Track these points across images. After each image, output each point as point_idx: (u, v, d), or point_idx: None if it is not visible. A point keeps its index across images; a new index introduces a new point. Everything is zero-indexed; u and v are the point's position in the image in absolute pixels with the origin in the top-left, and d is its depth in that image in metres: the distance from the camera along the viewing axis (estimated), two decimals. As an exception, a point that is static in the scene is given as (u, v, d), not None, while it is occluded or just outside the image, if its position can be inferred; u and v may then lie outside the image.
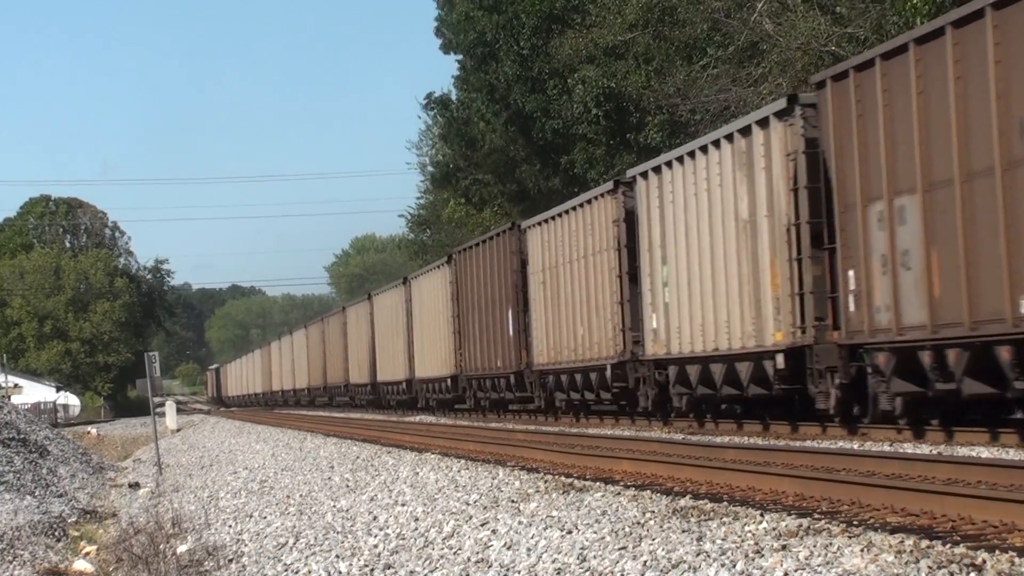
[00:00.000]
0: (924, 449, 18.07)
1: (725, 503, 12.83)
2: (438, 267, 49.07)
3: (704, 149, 26.16)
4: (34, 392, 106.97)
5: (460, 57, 60.56)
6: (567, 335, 34.82)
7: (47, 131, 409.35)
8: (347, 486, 20.28)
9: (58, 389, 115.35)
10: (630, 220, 30.72)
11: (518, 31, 55.34)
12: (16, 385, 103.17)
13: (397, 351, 55.61)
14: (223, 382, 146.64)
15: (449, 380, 47.20)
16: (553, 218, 35.92)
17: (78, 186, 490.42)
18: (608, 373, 31.91)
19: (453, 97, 64.01)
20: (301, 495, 20.36)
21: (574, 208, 34.13)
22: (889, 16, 35.34)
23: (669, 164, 28.07)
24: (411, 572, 12.51)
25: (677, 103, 45.17)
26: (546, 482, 16.45)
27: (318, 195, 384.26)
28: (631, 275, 30.97)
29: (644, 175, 29.47)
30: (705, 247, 26.40)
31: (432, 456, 23.56)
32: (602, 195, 32.27)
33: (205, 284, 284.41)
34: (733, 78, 42.84)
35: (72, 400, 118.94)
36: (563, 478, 16.76)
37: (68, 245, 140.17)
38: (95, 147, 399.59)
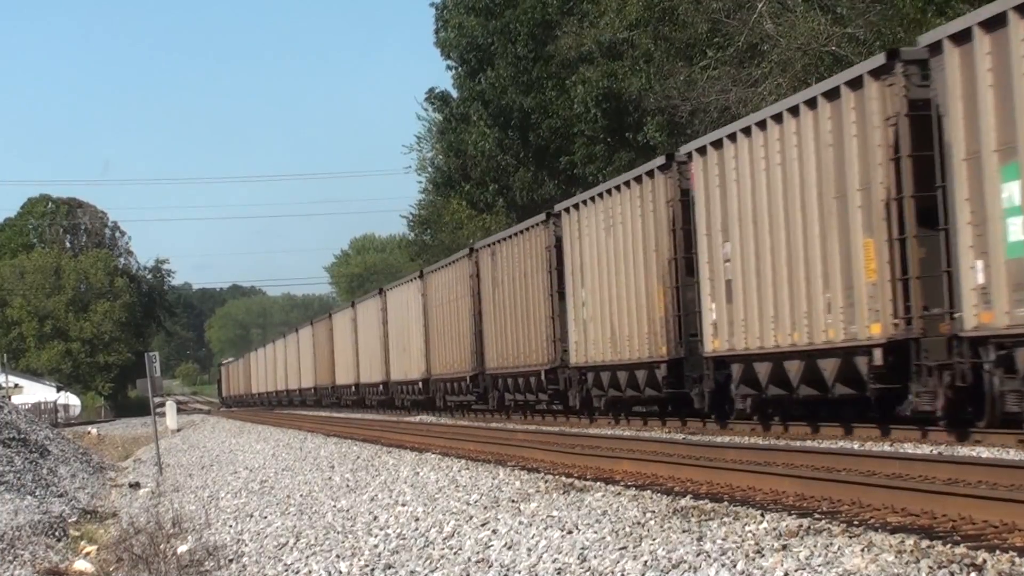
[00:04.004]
0: (925, 449, 18.08)
1: (725, 503, 12.84)
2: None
3: (794, 110, 22.83)
4: (34, 392, 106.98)
5: (455, 64, 60.55)
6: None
7: (47, 131, 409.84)
8: (347, 486, 20.29)
9: (58, 389, 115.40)
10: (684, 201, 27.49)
11: (515, 37, 55.41)
12: (16, 385, 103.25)
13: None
14: (242, 378, 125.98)
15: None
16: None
17: (78, 186, 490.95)
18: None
19: (454, 94, 63.99)
20: (302, 495, 20.37)
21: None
22: (889, 16, 35.37)
23: (734, 136, 24.82)
24: (412, 572, 12.51)
25: (677, 104, 45.20)
26: (546, 482, 16.45)
27: (318, 195, 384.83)
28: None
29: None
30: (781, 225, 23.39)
31: (432, 456, 23.57)
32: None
33: (205, 284, 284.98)
34: (733, 79, 42.86)
35: (72, 400, 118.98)
36: (563, 478, 16.76)
37: (68, 245, 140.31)
38: (95, 147, 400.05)
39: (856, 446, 19.50)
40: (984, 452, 17.20)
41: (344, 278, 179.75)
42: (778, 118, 23.18)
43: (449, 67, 61.59)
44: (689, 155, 26.78)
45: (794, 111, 22.62)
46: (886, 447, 18.84)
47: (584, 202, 32.74)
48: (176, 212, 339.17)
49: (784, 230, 23.08)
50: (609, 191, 31.17)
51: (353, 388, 65.94)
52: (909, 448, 18.32)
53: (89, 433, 63.29)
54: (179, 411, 75.10)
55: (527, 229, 37.59)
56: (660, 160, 28.56)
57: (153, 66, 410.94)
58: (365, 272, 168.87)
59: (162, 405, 73.38)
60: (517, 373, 38.65)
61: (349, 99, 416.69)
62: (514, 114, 55.88)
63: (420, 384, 51.00)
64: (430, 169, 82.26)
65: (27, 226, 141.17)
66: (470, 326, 43.22)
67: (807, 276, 22.40)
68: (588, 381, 32.91)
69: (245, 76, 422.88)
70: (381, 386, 58.78)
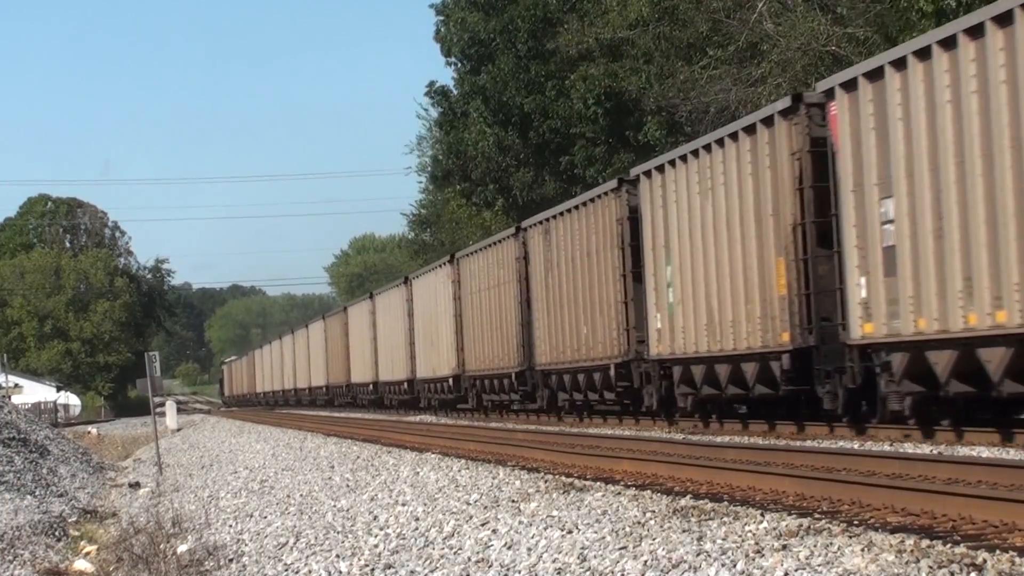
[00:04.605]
0: (924, 449, 18.08)
1: (725, 503, 12.84)
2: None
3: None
4: (34, 392, 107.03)
5: (456, 61, 60.59)
6: None
7: (47, 131, 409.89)
8: (347, 486, 20.28)
9: (58, 389, 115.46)
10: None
11: (515, 34, 55.45)
12: (16, 385, 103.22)
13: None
14: (246, 377, 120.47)
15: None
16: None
17: (78, 186, 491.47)
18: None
19: (454, 90, 63.93)
20: (301, 495, 20.36)
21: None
22: (890, 16, 35.39)
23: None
24: (411, 572, 12.51)
25: (678, 104, 45.22)
26: (546, 482, 16.45)
27: (318, 195, 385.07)
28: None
29: None
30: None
31: (432, 456, 23.57)
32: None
33: (205, 284, 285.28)
34: (734, 78, 42.87)
35: (72, 400, 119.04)
36: (563, 478, 16.76)
37: (68, 245, 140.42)
38: (95, 147, 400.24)
39: (856, 446, 19.50)
40: (984, 452, 17.20)
41: (344, 278, 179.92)
42: (1004, 19, 17.32)
43: (449, 63, 61.70)
44: (829, 93, 21.32)
45: None
46: (886, 447, 18.84)
47: (672, 162, 27.18)
48: (176, 212, 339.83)
49: (999, 172, 17.49)
50: (707, 146, 25.57)
51: (371, 387, 61.09)
52: (909, 448, 18.32)
53: (89, 433, 63.29)
54: (179, 411, 75.09)
55: (592, 200, 32.00)
56: (783, 103, 23.10)
57: (153, 66, 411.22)
58: (365, 272, 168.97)
59: (162, 405, 73.40)
60: (576, 368, 33.34)
61: (349, 99, 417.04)
62: (514, 112, 55.90)
63: (450, 381, 45.98)
64: (429, 168, 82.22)
65: (27, 226, 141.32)
66: (516, 315, 38.24)
67: None
68: (674, 377, 27.80)
69: (245, 76, 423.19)
70: (406, 384, 53.65)
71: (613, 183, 30.95)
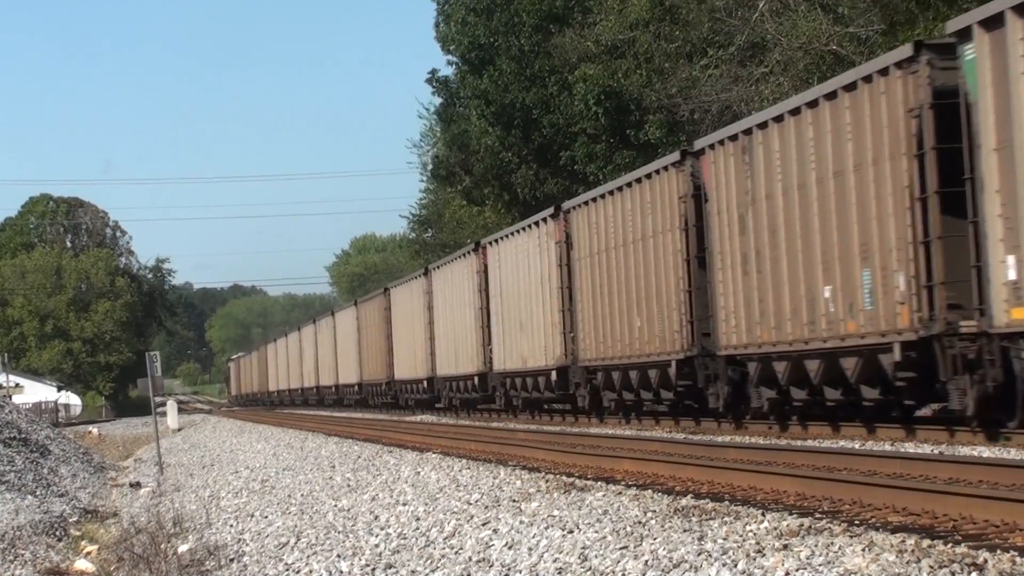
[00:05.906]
0: (926, 449, 18.08)
1: (726, 503, 12.84)
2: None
3: None
4: (35, 392, 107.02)
5: (457, 61, 60.58)
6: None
7: (47, 130, 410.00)
8: (348, 485, 20.28)
9: (59, 389, 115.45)
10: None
11: (519, 29, 55.46)
12: (17, 385, 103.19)
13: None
14: (256, 375, 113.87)
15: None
16: None
17: (79, 185, 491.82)
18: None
19: (454, 84, 63.82)
20: (302, 494, 20.36)
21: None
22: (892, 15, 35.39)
23: None
24: (412, 572, 12.51)
25: (679, 103, 45.20)
26: (547, 481, 16.45)
27: (318, 195, 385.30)
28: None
29: None
30: None
31: (433, 456, 23.57)
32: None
33: (206, 283, 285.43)
34: (735, 78, 42.85)
35: (73, 400, 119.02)
36: (564, 477, 16.76)
37: (69, 244, 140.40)
38: (96, 146, 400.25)
39: (857, 446, 19.50)
40: (985, 451, 17.19)
41: (345, 278, 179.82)
42: None
43: (450, 63, 61.69)
44: None
45: None
46: (887, 447, 18.84)
47: None
48: (176, 212, 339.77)
49: None
50: None
51: (425, 383, 50.78)
52: (910, 448, 18.32)
53: (90, 433, 63.28)
54: (180, 411, 75.06)
55: (852, 86, 20.91)
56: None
57: (154, 66, 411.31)
58: (366, 272, 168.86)
59: (163, 405, 73.39)
60: (804, 353, 22.69)
61: (349, 99, 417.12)
62: (516, 112, 55.88)
63: (551, 376, 35.19)
64: (431, 165, 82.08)
65: (28, 225, 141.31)
66: (677, 281, 27.63)
67: None
68: None
69: (245, 76, 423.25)
70: (476, 379, 43.32)
71: (905, 50, 19.72)
